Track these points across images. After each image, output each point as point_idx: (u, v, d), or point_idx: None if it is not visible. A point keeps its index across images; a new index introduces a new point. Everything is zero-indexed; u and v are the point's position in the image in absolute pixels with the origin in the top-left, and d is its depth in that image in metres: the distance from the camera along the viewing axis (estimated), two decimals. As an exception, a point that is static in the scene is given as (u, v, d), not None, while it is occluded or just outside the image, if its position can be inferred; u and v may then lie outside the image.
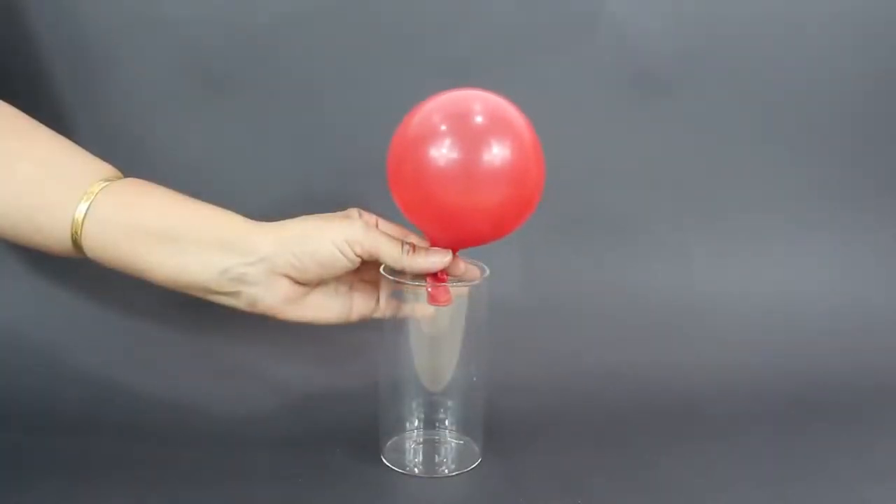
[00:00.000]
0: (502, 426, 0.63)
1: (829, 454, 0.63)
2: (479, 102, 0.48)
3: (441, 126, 0.48)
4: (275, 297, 0.56)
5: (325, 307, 0.59)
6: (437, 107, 0.48)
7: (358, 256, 0.56)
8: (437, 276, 0.57)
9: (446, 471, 0.60)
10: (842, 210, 0.83)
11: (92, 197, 0.55)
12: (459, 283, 0.58)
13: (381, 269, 0.58)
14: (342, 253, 0.55)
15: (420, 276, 0.57)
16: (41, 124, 0.58)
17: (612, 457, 0.62)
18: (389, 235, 0.57)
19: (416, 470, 0.60)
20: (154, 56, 0.73)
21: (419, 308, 0.58)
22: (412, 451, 0.62)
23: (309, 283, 0.57)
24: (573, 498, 0.56)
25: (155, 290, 0.57)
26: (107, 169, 0.57)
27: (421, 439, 0.62)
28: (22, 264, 0.74)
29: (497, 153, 0.48)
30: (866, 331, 0.80)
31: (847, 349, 0.78)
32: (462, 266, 0.58)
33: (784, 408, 0.71)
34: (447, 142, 0.48)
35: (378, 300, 0.60)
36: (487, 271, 0.59)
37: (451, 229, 0.53)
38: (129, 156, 0.64)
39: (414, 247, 0.56)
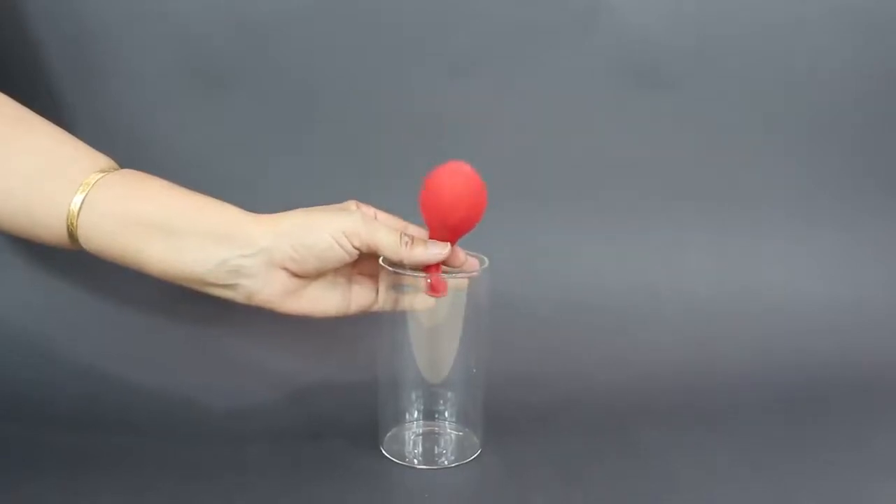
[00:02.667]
0: (502, 417, 0.63)
1: (827, 446, 0.63)
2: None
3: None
4: (272, 290, 0.56)
5: (323, 300, 0.58)
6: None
7: (356, 248, 0.55)
8: (435, 268, 0.57)
9: (446, 462, 0.60)
10: (842, 206, 0.82)
11: (87, 188, 0.54)
12: (459, 275, 0.58)
13: (381, 261, 0.58)
14: (340, 245, 0.55)
15: (419, 267, 0.57)
16: (37, 115, 0.58)
17: (611, 448, 0.62)
18: (388, 227, 0.56)
19: (415, 461, 0.60)
20: (153, 48, 0.72)
21: (418, 301, 0.58)
22: (412, 442, 0.61)
23: (307, 276, 0.57)
24: (573, 489, 0.56)
25: (152, 282, 0.56)
26: (103, 160, 0.57)
27: (420, 431, 0.62)
28: (19, 256, 0.74)
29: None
30: (865, 325, 0.79)
31: (846, 343, 0.77)
32: (461, 257, 0.58)
33: (783, 401, 0.70)
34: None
35: (377, 293, 0.60)
36: (487, 262, 0.59)
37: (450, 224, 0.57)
38: (127, 148, 0.63)
39: (413, 238, 0.56)
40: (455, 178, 0.54)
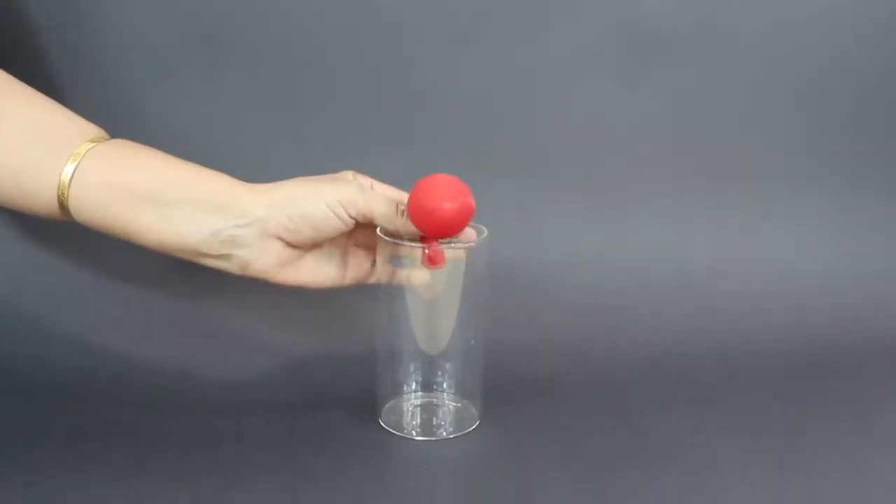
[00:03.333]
0: (500, 389, 0.62)
1: (825, 419, 0.63)
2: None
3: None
4: (267, 260, 0.55)
5: (319, 271, 0.58)
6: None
7: (352, 218, 0.55)
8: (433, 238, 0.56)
9: (444, 433, 0.59)
10: (841, 179, 0.81)
11: (78, 159, 0.53)
12: (456, 245, 0.57)
13: (378, 231, 0.57)
14: (336, 214, 0.54)
15: (415, 237, 0.56)
16: (26, 84, 0.57)
17: (610, 420, 0.62)
18: (385, 196, 0.56)
19: (413, 433, 0.59)
20: (147, 16, 0.71)
21: (415, 276, 0.57)
22: (410, 413, 0.61)
23: (302, 246, 0.56)
24: (571, 460, 0.56)
25: (146, 254, 0.56)
26: (94, 130, 0.56)
27: (419, 402, 0.62)
28: (12, 229, 0.73)
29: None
30: (864, 299, 0.79)
31: (844, 317, 0.77)
32: (459, 227, 0.57)
33: (781, 375, 0.70)
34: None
35: (373, 264, 0.59)
36: (486, 233, 0.58)
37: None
38: (119, 119, 0.62)
39: (409, 208, 0.55)
40: (444, 202, 0.53)
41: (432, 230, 0.55)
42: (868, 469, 0.57)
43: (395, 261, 0.57)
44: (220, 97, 0.74)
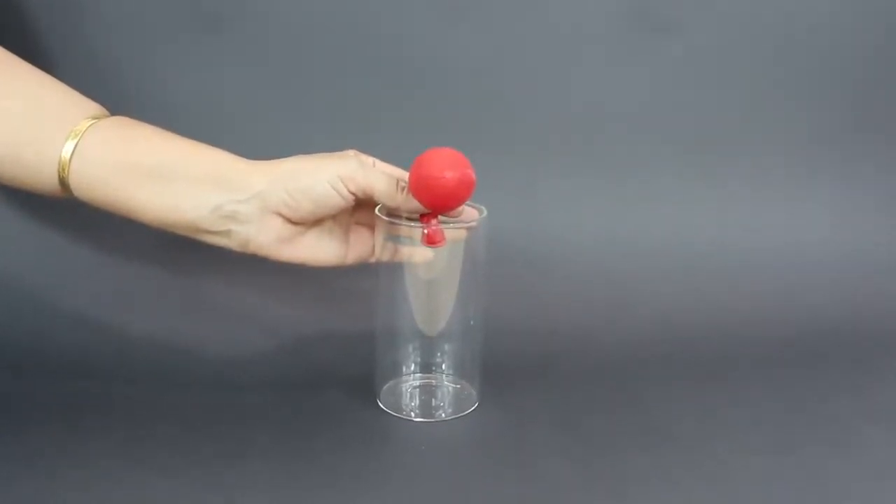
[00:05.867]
0: (499, 370, 0.62)
1: (827, 397, 0.63)
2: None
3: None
4: (267, 236, 0.55)
5: (320, 248, 0.58)
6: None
7: (352, 193, 0.55)
8: (432, 216, 0.56)
9: (443, 415, 0.59)
10: (844, 156, 0.81)
11: (79, 135, 0.53)
12: (456, 225, 0.57)
13: (377, 210, 0.57)
14: (336, 189, 0.54)
15: (415, 216, 0.56)
16: (24, 61, 0.57)
17: (610, 400, 0.62)
18: (385, 173, 0.56)
19: (412, 414, 0.59)
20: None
21: (416, 253, 0.57)
22: (409, 395, 0.61)
23: (303, 222, 0.56)
24: (571, 441, 0.56)
25: (147, 231, 0.56)
26: (94, 107, 0.56)
27: (417, 383, 0.62)
28: (13, 207, 0.73)
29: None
30: (866, 276, 0.79)
31: (847, 294, 0.77)
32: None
33: (783, 353, 0.70)
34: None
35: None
36: (485, 212, 0.58)
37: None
38: (118, 96, 0.62)
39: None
40: (445, 172, 0.53)
41: (433, 201, 0.54)
42: (866, 446, 0.57)
43: (396, 238, 0.57)
44: (217, 72, 0.73)
